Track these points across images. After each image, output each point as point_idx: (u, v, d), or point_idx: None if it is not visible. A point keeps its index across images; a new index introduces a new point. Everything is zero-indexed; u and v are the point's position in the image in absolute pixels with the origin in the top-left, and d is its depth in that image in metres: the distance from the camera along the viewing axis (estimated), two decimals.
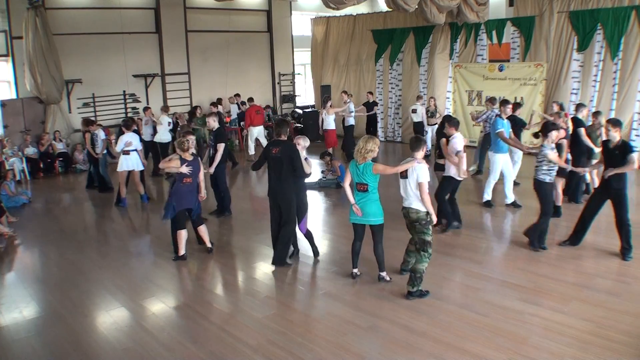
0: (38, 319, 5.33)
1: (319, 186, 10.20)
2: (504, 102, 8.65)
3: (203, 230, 6.90)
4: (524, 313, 5.03)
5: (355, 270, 5.95)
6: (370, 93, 14.73)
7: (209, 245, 6.95)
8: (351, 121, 12.80)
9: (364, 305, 5.33)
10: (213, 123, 8.49)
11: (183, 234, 6.66)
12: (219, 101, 14.32)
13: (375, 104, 14.59)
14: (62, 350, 4.71)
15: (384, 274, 5.81)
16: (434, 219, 5.46)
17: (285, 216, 6.25)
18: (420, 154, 5.41)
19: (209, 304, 5.55)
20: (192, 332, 4.94)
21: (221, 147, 8.31)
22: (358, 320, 5.04)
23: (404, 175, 5.43)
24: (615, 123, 6.28)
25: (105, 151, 10.45)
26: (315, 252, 6.63)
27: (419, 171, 5.31)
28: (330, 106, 12.37)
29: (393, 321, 4.98)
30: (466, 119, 12.79)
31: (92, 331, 5.10)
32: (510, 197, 8.50)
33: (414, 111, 13.16)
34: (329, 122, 12.21)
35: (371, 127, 14.62)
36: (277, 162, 6.15)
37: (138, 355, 4.58)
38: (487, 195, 8.60)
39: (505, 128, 8.27)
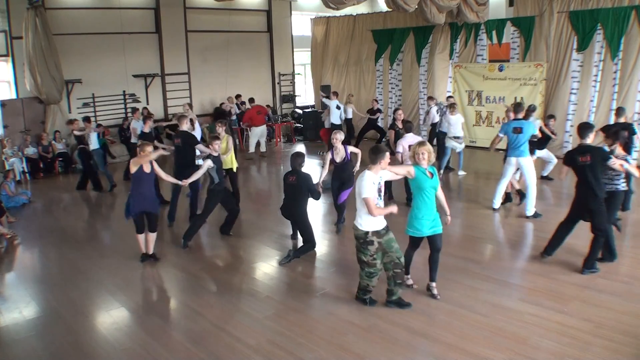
0: (38, 319, 5.33)
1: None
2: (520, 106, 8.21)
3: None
4: (524, 313, 5.03)
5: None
6: (375, 100, 14.21)
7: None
8: (334, 119, 12.84)
9: (364, 305, 5.33)
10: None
11: None
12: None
13: (379, 110, 13.96)
14: (62, 350, 4.72)
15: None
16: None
17: (302, 232, 6.88)
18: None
19: (209, 304, 5.55)
20: (192, 332, 4.94)
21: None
22: (358, 320, 5.04)
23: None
24: None
25: (98, 148, 10.55)
26: (339, 227, 7.58)
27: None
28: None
29: (393, 321, 4.98)
30: (466, 119, 12.77)
31: (92, 331, 5.10)
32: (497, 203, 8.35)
33: None
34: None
35: (366, 131, 14.09)
36: (293, 188, 6.70)
37: (138, 355, 4.58)
38: (531, 212, 7.91)
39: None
